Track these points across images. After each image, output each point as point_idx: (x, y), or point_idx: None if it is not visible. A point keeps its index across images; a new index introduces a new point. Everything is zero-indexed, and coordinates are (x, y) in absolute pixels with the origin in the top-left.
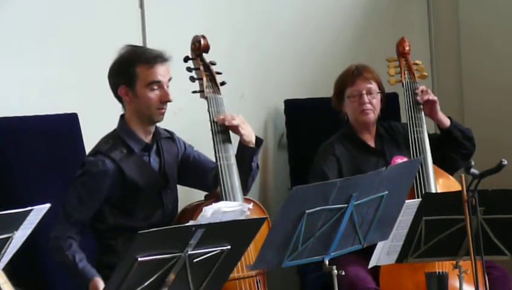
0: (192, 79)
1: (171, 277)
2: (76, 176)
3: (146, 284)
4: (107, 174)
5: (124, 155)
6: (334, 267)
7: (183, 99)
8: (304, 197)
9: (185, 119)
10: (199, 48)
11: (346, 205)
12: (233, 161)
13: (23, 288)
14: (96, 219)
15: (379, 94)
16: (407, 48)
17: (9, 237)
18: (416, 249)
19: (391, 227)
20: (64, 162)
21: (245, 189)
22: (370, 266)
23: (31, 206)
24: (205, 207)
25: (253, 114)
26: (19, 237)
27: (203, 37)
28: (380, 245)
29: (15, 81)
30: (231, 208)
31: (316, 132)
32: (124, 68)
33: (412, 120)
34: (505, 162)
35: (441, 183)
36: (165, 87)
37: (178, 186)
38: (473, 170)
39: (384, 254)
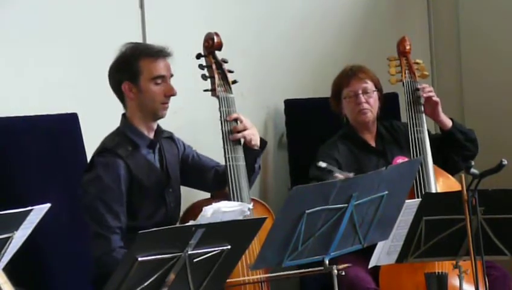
0: (204, 77)
1: (171, 276)
2: (88, 181)
3: (146, 284)
4: (121, 172)
5: (129, 153)
6: (334, 267)
7: (184, 99)
8: (304, 197)
9: (186, 118)
10: (212, 45)
11: (346, 205)
12: (242, 162)
13: (23, 288)
14: None
15: (375, 93)
16: (407, 47)
17: (9, 237)
18: (416, 249)
19: (391, 227)
20: (64, 162)
21: None
22: (370, 266)
23: (31, 206)
24: (205, 207)
25: (253, 114)
26: (19, 237)
27: (216, 34)
28: (380, 245)
29: (15, 81)
30: (231, 208)
31: (316, 132)
32: (126, 64)
33: (412, 120)
34: (505, 162)
35: (441, 183)
36: (168, 81)
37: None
38: (473, 170)
39: (384, 253)
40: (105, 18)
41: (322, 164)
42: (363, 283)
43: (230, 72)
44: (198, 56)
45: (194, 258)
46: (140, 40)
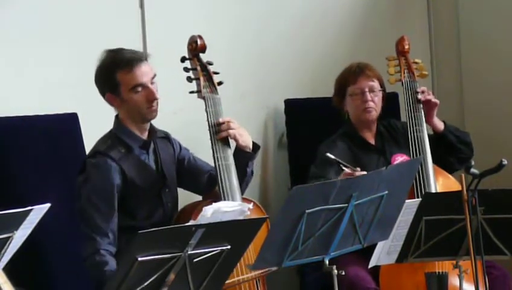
0: (189, 79)
1: (171, 276)
2: (81, 182)
3: (146, 284)
4: (113, 175)
5: (122, 155)
6: (334, 267)
7: (184, 99)
8: (304, 197)
9: (186, 119)
10: (196, 48)
11: (346, 205)
12: (231, 161)
13: (23, 288)
14: None
15: (381, 92)
16: (406, 47)
17: (9, 237)
18: (416, 249)
19: (391, 227)
20: (64, 162)
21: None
22: (370, 265)
23: (31, 206)
24: (205, 207)
25: (253, 114)
26: (19, 236)
27: (200, 37)
28: (380, 245)
29: (15, 81)
30: (231, 208)
31: (316, 131)
32: (105, 76)
33: (412, 119)
34: (505, 162)
35: (440, 182)
36: (149, 85)
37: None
38: (473, 170)
39: (384, 253)
40: (105, 18)
41: (330, 156)
42: (364, 282)
43: (216, 73)
44: (183, 59)
45: (194, 258)
46: (140, 40)
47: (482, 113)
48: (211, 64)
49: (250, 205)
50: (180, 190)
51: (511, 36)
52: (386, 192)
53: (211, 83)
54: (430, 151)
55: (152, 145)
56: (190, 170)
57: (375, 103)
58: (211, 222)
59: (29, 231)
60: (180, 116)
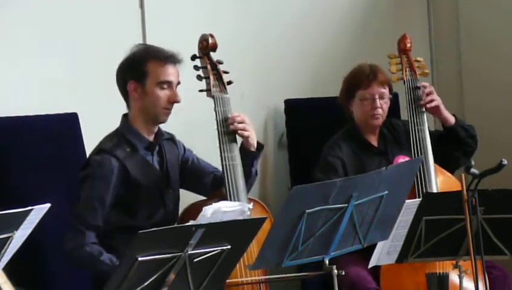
0: (199, 78)
1: (171, 276)
2: (81, 178)
3: (146, 284)
4: (114, 174)
5: (127, 154)
6: (334, 267)
7: (184, 100)
8: (304, 197)
9: (186, 119)
10: (207, 46)
11: (346, 205)
12: (238, 161)
13: (23, 288)
14: None
15: (389, 99)
16: (408, 45)
17: (9, 237)
18: (416, 249)
19: (391, 227)
20: (64, 162)
21: None
22: (370, 266)
23: (31, 206)
24: (205, 207)
25: (253, 114)
26: (19, 236)
27: (211, 35)
28: (380, 245)
29: (15, 81)
30: (231, 208)
31: (316, 131)
32: (135, 64)
33: (413, 118)
34: (505, 162)
35: (441, 182)
36: (174, 88)
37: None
38: (473, 170)
39: (384, 253)
40: (105, 18)
41: None
42: (364, 282)
43: (226, 72)
44: (193, 57)
45: (194, 258)
46: (140, 40)
47: (482, 112)
48: (221, 63)
49: (250, 205)
50: (182, 191)
51: (511, 36)
52: (386, 192)
53: (220, 82)
54: (431, 150)
55: (157, 147)
56: (194, 171)
57: (383, 110)
58: (211, 222)
59: (29, 231)
60: (180, 117)
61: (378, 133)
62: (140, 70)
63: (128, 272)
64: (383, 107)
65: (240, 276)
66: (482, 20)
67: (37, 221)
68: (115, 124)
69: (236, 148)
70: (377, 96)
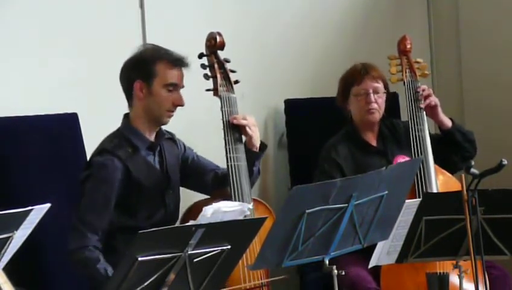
0: (206, 77)
1: (171, 276)
2: (84, 178)
3: (146, 284)
4: (117, 175)
5: (129, 154)
6: (334, 267)
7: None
8: (304, 197)
9: (185, 119)
10: (215, 44)
11: (346, 205)
12: (243, 162)
13: (23, 288)
14: None
15: (384, 94)
16: (408, 46)
17: (9, 237)
18: (416, 249)
19: (391, 227)
20: (64, 162)
21: None
22: (370, 266)
23: (31, 206)
24: (205, 207)
25: (253, 114)
26: (19, 236)
27: (219, 34)
28: (380, 245)
29: (15, 81)
30: (231, 208)
31: (316, 131)
32: (144, 63)
33: (413, 119)
34: (505, 162)
35: (441, 182)
36: (179, 91)
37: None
38: (473, 170)
39: (384, 253)
40: (105, 18)
41: None
42: (364, 282)
43: (233, 71)
44: (201, 56)
45: (194, 258)
46: (140, 40)
47: (482, 112)
48: (228, 61)
49: (250, 205)
50: (182, 190)
51: (511, 36)
52: (386, 192)
53: (227, 82)
54: (431, 151)
55: (158, 148)
56: (194, 169)
57: (378, 105)
58: (211, 222)
59: (29, 231)
60: (180, 116)
61: (377, 132)
62: (148, 70)
63: (128, 272)
64: (378, 101)
65: (243, 278)
66: (482, 20)
67: (37, 221)
68: (114, 124)
69: (242, 149)
70: (370, 91)
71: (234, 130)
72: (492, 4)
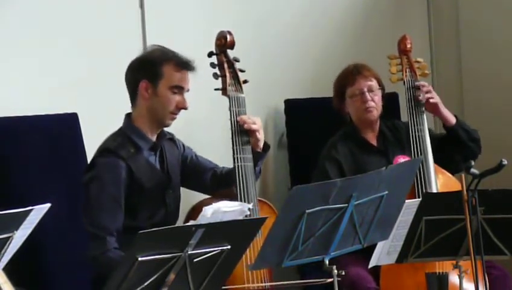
0: (215, 76)
1: (171, 276)
2: (88, 180)
3: (146, 284)
4: (122, 174)
5: (131, 154)
6: (334, 267)
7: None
8: (304, 197)
9: (185, 118)
10: (225, 43)
11: (346, 205)
12: (250, 163)
13: (23, 288)
14: None
15: (380, 91)
16: (408, 46)
17: (9, 237)
18: (416, 249)
19: (391, 227)
20: (64, 162)
21: None
22: (370, 266)
23: (31, 206)
24: (205, 207)
25: (253, 114)
26: (19, 237)
27: (229, 33)
28: (380, 245)
29: (15, 81)
30: (231, 208)
31: (316, 131)
32: (151, 64)
33: (413, 119)
34: (505, 162)
35: (441, 182)
36: (184, 94)
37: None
38: (473, 170)
39: (384, 254)
40: (105, 18)
41: None
42: (364, 282)
43: (242, 71)
44: (210, 54)
45: (194, 258)
46: (140, 40)
47: (482, 113)
48: (237, 60)
49: (250, 205)
50: (183, 191)
51: (511, 36)
52: (386, 192)
53: (236, 81)
54: (431, 151)
55: (159, 148)
56: (193, 168)
57: (375, 102)
58: (211, 222)
59: (29, 231)
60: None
61: (377, 132)
62: (155, 71)
63: (128, 272)
64: (374, 99)
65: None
66: (482, 20)
67: (37, 221)
68: (115, 124)
69: (249, 150)
70: (365, 90)
71: (242, 132)
72: (492, 4)
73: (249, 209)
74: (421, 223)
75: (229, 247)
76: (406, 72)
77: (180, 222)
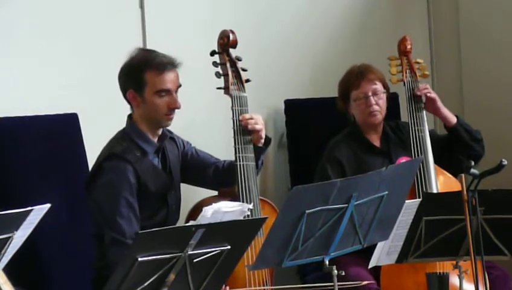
0: (217, 75)
1: (171, 277)
2: (98, 186)
3: (146, 284)
4: (130, 178)
5: (137, 158)
6: (334, 267)
7: (183, 98)
8: (304, 197)
9: (185, 118)
10: (227, 42)
11: (346, 205)
12: (252, 162)
13: (23, 288)
14: None
15: (385, 94)
16: (408, 47)
17: (9, 237)
18: (416, 249)
19: (391, 227)
20: (64, 162)
21: None
22: (370, 266)
23: (31, 206)
24: (205, 207)
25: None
26: (19, 237)
27: (232, 32)
28: (380, 245)
29: (15, 81)
30: (231, 208)
31: (316, 132)
32: (133, 73)
33: (413, 119)
34: (505, 162)
35: (441, 182)
36: (174, 94)
37: (180, 185)
38: (472, 170)
39: (384, 254)
40: (105, 18)
41: None
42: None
43: (244, 70)
44: (213, 53)
45: (194, 259)
46: (140, 40)
47: (482, 113)
48: (240, 60)
49: (250, 205)
50: (184, 190)
51: (511, 36)
52: (386, 192)
53: (239, 80)
54: (431, 151)
55: (162, 149)
56: (194, 163)
57: (379, 106)
58: (211, 222)
59: (29, 231)
60: (180, 116)
61: (381, 133)
62: (138, 80)
63: (128, 272)
64: (378, 103)
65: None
66: (482, 20)
67: (37, 221)
68: (115, 124)
69: (251, 149)
70: (370, 94)
71: (245, 131)
72: (492, 4)
73: (249, 209)
74: (421, 224)
75: (229, 247)
76: (406, 73)
77: (181, 222)
